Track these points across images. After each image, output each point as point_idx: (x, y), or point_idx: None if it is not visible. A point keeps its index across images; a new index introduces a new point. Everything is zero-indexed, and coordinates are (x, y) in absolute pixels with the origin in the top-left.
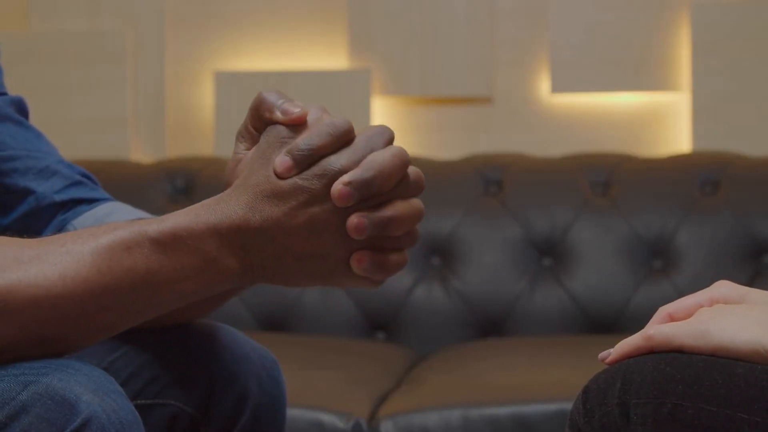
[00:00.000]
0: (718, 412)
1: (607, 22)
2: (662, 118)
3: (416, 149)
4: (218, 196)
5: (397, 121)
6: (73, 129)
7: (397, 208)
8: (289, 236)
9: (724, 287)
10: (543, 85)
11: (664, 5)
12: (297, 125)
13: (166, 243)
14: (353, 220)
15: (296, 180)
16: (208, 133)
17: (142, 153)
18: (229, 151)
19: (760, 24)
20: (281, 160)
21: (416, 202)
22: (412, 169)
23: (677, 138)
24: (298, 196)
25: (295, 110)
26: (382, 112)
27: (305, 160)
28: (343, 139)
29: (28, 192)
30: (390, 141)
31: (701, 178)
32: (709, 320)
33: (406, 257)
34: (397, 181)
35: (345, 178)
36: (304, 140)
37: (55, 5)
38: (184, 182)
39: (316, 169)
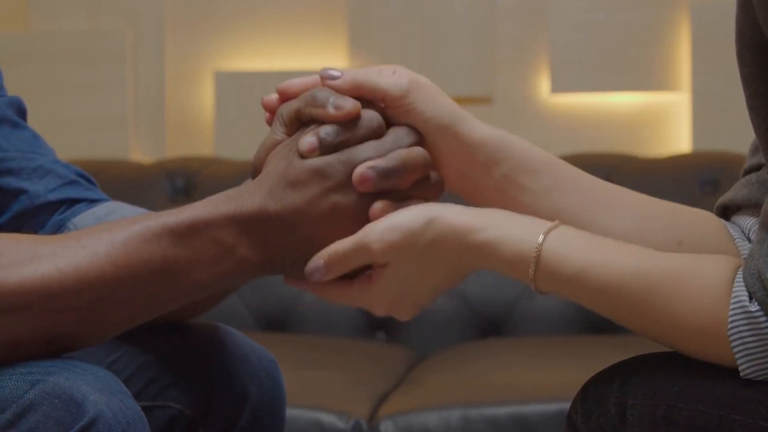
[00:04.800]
0: (712, 413)
1: (608, 22)
2: (662, 118)
3: None
4: (240, 186)
5: None
6: (73, 129)
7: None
8: (310, 226)
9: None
10: (543, 85)
11: (664, 5)
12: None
13: (182, 233)
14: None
15: (320, 166)
16: (208, 133)
17: (141, 153)
18: (228, 151)
19: None
20: (307, 140)
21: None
22: (433, 173)
23: (677, 138)
24: (320, 184)
25: (347, 105)
26: None
27: (330, 144)
28: (372, 132)
29: (20, 191)
30: (417, 142)
31: (701, 178)
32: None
33: None
34: (418, 179)
35: (369, 163)
36: (333, 126)
37: (55, 5)
38: (184, 182)
39: (341, 156)
